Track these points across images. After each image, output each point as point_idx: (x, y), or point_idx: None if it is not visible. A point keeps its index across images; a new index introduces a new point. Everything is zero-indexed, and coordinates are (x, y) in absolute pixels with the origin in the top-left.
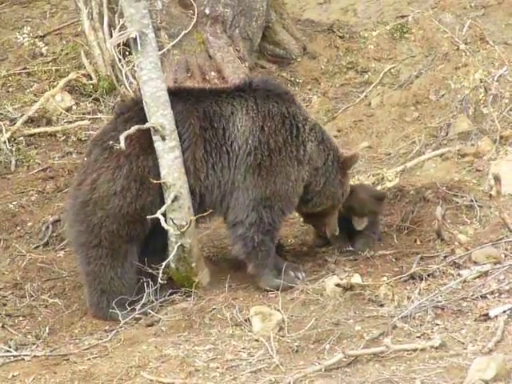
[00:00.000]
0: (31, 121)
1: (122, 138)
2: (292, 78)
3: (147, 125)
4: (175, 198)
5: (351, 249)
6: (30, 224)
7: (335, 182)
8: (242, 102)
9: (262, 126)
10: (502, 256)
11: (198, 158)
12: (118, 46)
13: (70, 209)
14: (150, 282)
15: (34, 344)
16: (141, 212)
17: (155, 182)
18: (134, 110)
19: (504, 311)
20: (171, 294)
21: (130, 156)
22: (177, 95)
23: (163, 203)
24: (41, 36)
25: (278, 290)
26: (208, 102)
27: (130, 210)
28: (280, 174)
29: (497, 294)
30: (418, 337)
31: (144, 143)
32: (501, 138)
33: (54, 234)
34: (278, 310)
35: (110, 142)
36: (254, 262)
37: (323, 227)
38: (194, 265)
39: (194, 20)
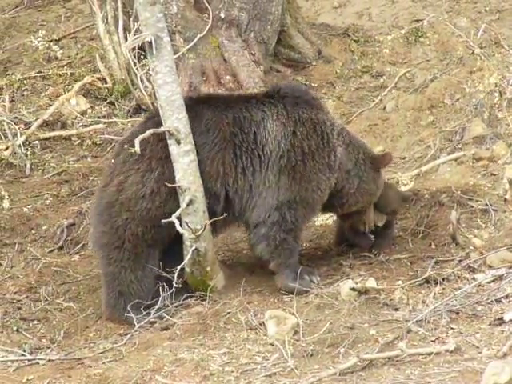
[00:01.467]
0: (46, 124)
1: (136, 141)
2: (307, 82)
3: (162, 128)
4: (190, 202)
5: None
6: (44, 228)
7: (368, 178)
8: (272, 107)
9: (293, 130)
10: None
11: (228, 163)
12: (133, 49)
13: (95, 209)
14: (166, 286)
15: (48, 348)
16: (169, 216)
17: (170, 185)
18: None
19: None
20: (186, 297)
21: (163, 160)
22: (206, 102)
23: None
24: (56, 40)
25: (292, 293)
26: (238, 108)
27: (159, 213)
28: (313, 181)
29: (511, 298)
30: (433, 341)
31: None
32: None
33: (69, 238)
34: (293, 314)
35: (125, 146)
36: (277, 260)
37: (362, 224)
38: (208, 268)
39: (209, 24)
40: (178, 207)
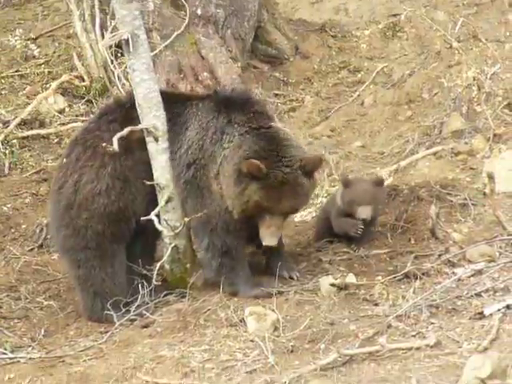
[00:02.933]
0: (24, 123)
1: (115, 139)
2: (284, 78)
3: (140, 126)
4: (168, 200)
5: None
6: (24, 226)
7: (230, 182)
8: (197, 112)
9: (199, 139)
10: (497, 254)
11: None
12: (110, 47)
13: (54, 213)
14: (145, 284)
15: (29, 346)
16: (124, 211)
17: (149, 183)
18: (119, 112)
19: (499, 309)
20: (166, 295)
21: (115, 155)
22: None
23: (146, 202)
24: (33, 38)
25: (257, 298)
26: (178, 106)
27: (114, 208)
28: (206, 194)
29: (491, 292)
30: (413, 336)
31: (125, 143)
32: (494, 135)
33: (49, 237)
34: (273, 310)
35: (104, 144)
36: (224, 284)
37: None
38: (188, 266)
39: (186, 21)
40: (132, 201)
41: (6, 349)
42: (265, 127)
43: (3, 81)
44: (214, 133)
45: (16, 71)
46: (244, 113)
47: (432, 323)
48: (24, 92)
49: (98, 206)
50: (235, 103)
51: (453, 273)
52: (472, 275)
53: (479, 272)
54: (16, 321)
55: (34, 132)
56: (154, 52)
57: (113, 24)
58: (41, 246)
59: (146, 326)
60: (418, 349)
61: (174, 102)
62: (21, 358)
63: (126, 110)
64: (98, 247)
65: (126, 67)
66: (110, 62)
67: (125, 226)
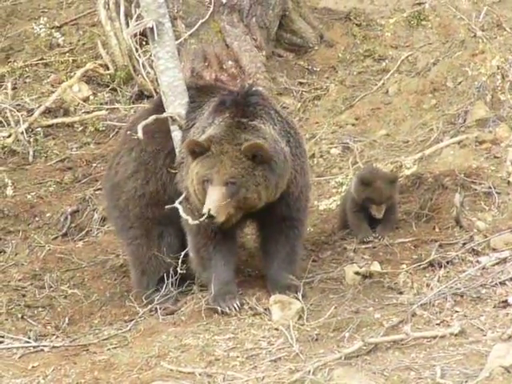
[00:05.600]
0: (49, 111)
1: (139, 127)
2: (309, 67)
3: (165, 114)
4: None
5: (372, 239)
6: (48, 215)
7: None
8: (205, 110)
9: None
10: None
11: None
12: (135, 35)
13: (105, 195)
14: (171, 272)
15: (53, 335)
16: (156, 195)
17: (173, 171)
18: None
19: None
20: (190, 283)
21: (139, 141)
22: (204, 90)
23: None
24: (57, 26)
25: (295, 291)
26: (198, 100)
27: (145, 192)
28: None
29: None
30: (438, 324)
31: (149, 130)
32: None
33: (73, 225)
34: (298, 299)
35: (128, 132)
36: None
37: None
38: None
39: (211, 9)
40: (163, 186)
41: (29, 337)
42: (227, 118)
43: (28, 69)
44: (197, 129)
45: (40, 59)
46: (224, 115)
47: (456, 311)
48: (48, 80)
49: (130, 189)
50: (226, 107)
51: (477, 261)
52: (496, 263)
53: (503, 260)
54: (40, 309)
55: (59, 120)
56: (179, 40)
57: (137, 12)
58: (65, 234)
59: (170, 314)
60: (442, 337)
61: (199, 95)
62: (45, 346)
63: None
64: (141, 227)
65: (150, 55)
66: (134, 51)
67: (163, 210)
